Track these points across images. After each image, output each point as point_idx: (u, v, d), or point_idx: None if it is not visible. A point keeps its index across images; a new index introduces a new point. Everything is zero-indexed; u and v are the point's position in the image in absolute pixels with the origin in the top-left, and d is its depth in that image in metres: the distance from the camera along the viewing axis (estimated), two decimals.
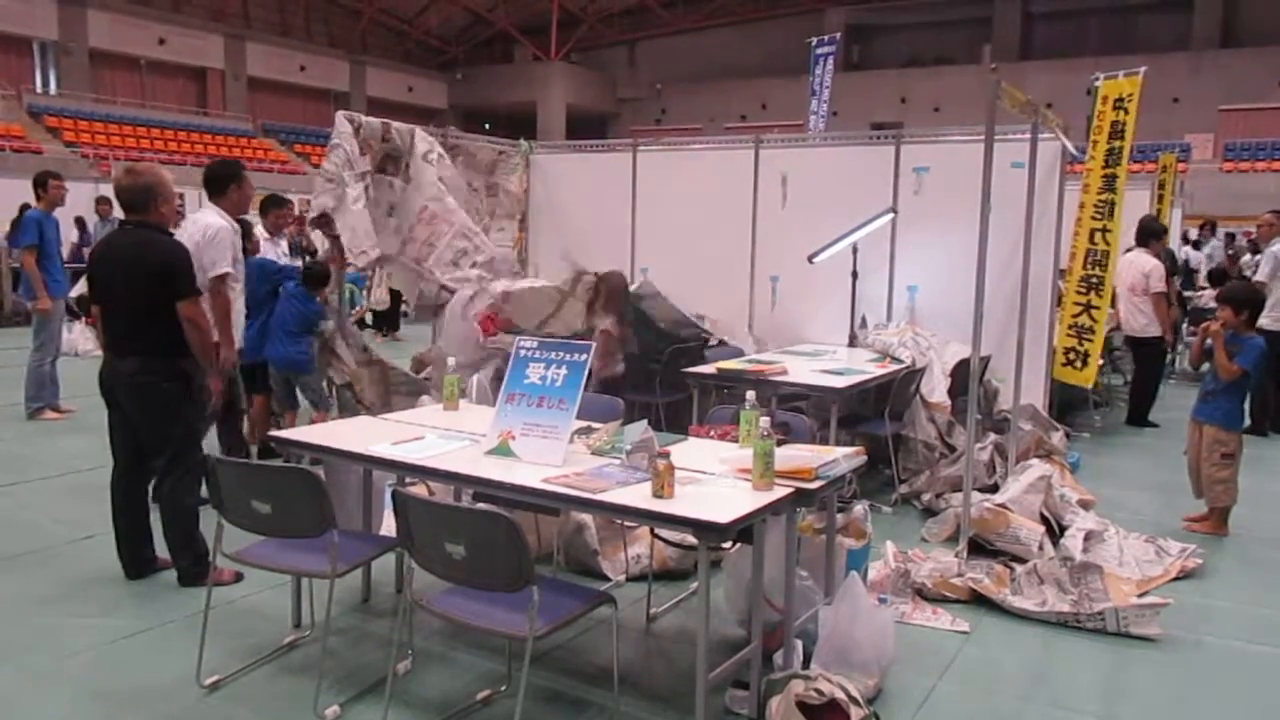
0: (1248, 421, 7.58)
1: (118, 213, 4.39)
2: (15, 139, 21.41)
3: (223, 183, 4.87)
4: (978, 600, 4.11)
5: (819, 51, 14.90)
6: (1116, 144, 6.03)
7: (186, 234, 4.69)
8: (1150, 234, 7.92)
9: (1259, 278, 7.96)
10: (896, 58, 32.26)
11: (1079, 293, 6.24)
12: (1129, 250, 7.75)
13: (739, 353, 6.46)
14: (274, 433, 3.98)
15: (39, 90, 25.37)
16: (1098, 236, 6.12)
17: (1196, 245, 15.10)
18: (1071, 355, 6.30)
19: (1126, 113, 5.95)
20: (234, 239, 4.83)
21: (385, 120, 6.46)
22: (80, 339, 10.60)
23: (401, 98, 33.74)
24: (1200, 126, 26.38)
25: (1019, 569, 4.22)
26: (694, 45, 34.95)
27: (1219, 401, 5.20)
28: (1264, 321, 7.80)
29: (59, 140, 22.78)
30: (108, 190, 12.07)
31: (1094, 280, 6.12)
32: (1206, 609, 4.16)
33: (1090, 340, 6.21)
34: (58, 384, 7.61)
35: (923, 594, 4.16)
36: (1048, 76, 25.50)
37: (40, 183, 7.49)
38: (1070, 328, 6.29)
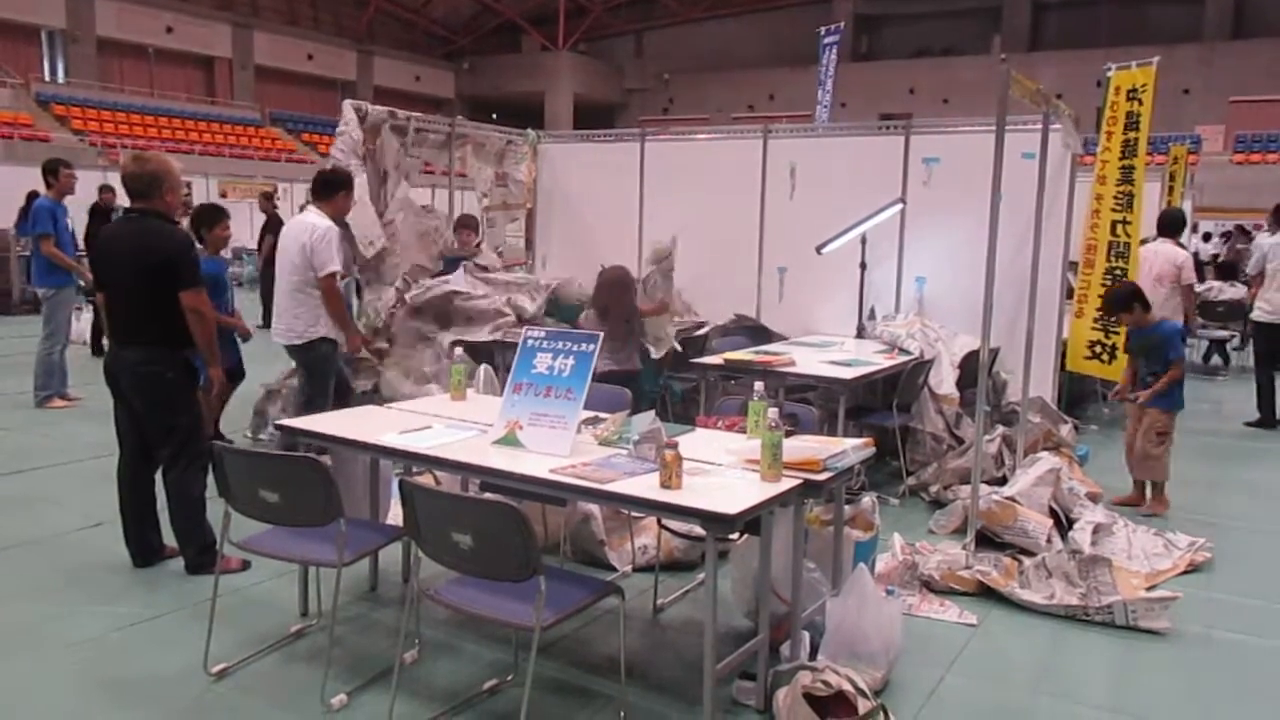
0: (1258, 415, 7.62)
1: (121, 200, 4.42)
2: (23, 127, 21.44)
3: (333, 188, 5.19)
4: (985, 593, 4.10)
5: (825, 41, 14.79)
6: (1132, 135, 5.96)
7: (292, 234, 5.08)
8: (1171, 225, 7.86)
9: (1249, 272, 7.97)
10: (905, 48, 32.12)
11: (1104, 285, 6.18)
12: (1149, 240, 7.69)
13: (746, 343, 6.44)
14: (282, 421, 3.97)
15: (47, 79, 25.37)
16: (1119, 229, 6.07)
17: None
18: (1098, 348, 6.24)
19: (1141, 103, 5.89)
20: (340, 239, 5.17)
21: (391, 109, 6.45)
22: (88, 327, 10.59)
23: (409, 87, 33.67)
24: (1211, 118, 26.24)
25: (1027, 562, 4.21)
26: (701, 35, 34.84)
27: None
28: (1257, 314, 7.79)
29: (67, 129, 22.81)
30: (115, 179, 12.08)
31: (1118, 273, 6.07)
32: (1215, 603, 4.14)
33: (1118, 333, 6.15)
34: (66, 372, 7.62)
35: (930, 586, 4.15)
36: (1057, 67, 25.36)
37: (51, 170, 7.49)
38: (1095, 320, 6.24)
